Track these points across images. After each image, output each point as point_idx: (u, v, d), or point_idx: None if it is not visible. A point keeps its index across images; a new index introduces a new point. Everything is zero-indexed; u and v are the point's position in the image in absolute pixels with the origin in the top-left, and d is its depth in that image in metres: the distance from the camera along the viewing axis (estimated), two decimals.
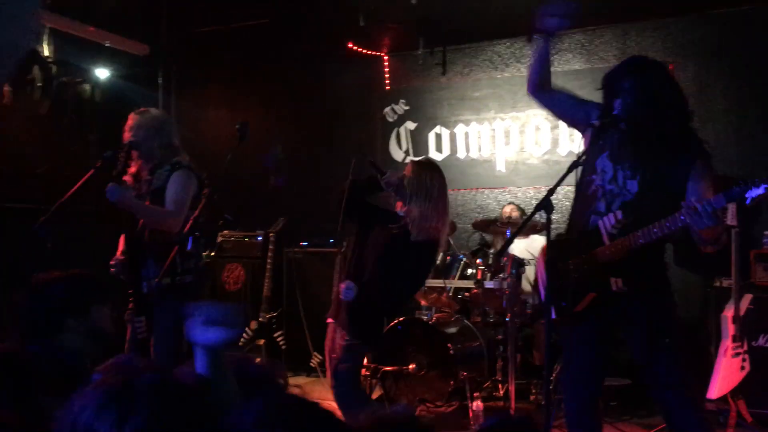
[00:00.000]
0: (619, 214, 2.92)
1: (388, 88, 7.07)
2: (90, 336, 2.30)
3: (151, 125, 3.81)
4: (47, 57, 7.02)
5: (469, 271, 5.51)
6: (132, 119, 3.83)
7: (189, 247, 3.41)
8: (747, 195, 2.61)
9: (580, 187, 3.09)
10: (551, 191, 2.69)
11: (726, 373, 4.44)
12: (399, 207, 3.95)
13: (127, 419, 1.24)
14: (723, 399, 4.41)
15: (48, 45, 7.01)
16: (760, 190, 2.59)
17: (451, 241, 5.87)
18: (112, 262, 3.78)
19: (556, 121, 6.35)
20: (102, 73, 7.23)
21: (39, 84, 6.83)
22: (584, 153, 2.87)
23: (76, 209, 3.66)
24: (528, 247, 5.53)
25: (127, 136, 3.80)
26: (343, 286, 3.82)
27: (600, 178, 3.00)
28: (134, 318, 3.60)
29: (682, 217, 2.70)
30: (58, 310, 2.26)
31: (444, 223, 3.93)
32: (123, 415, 1.24)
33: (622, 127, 2.94)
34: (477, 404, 4.75)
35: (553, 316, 3.03)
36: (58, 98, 6.97)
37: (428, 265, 4.10)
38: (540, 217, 2.85)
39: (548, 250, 3.11)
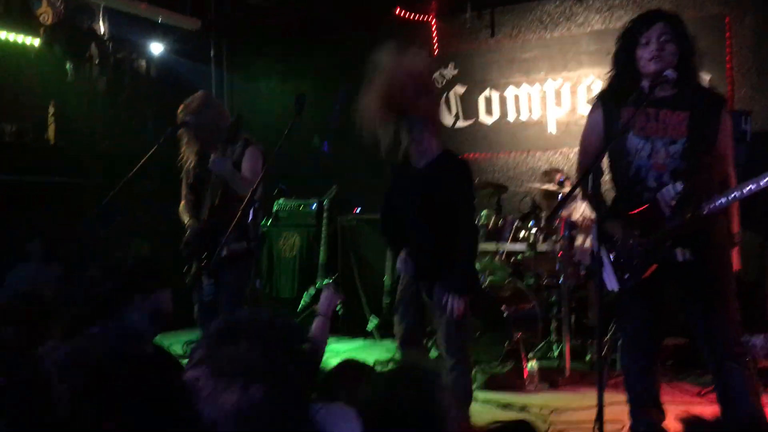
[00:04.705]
0: (679, 185, 2.87)
1: (436, 52, 7.05)
2: (152, 316, 2.34)
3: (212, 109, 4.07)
4: (103, 34, 7.21)
5: (522, 233, 5.51)
6: (197, 101, 4.04)
7: (250, 218, 3.56)
8: None
9: (617, 173, 3.08)
10: (599, 156, 2.70)
11: None
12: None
13: None
14: None
15: (103, 22, 7.19)
16: None
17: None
18: (188, 231, 4.03)
19: None
20: (156, 48, 7.38)
21: (96, 61, 7.04)
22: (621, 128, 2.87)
23: (137, 185, 3.82)
24: (577, 208, 5.50)
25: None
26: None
27: (636, 157, 2.96)
28: (205, 281, 3.87)
29: (752, 186, 2.74)
30: (129, 286, 2.31)
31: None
32: None
33: (671, 76, 2.87)
34: (532, 365, 4.83)
35: (615, 287, 3.05)
36: (116, 75, 7.17)
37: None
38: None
39: (600, 228, 3.09)
